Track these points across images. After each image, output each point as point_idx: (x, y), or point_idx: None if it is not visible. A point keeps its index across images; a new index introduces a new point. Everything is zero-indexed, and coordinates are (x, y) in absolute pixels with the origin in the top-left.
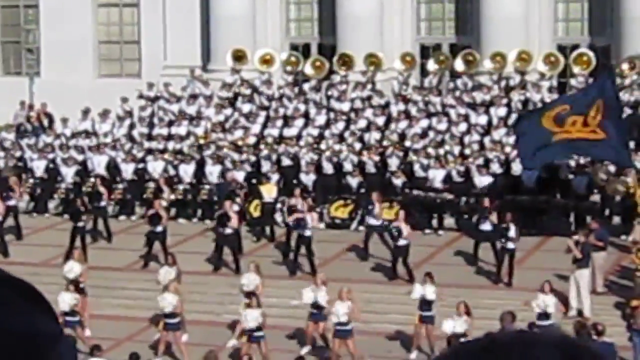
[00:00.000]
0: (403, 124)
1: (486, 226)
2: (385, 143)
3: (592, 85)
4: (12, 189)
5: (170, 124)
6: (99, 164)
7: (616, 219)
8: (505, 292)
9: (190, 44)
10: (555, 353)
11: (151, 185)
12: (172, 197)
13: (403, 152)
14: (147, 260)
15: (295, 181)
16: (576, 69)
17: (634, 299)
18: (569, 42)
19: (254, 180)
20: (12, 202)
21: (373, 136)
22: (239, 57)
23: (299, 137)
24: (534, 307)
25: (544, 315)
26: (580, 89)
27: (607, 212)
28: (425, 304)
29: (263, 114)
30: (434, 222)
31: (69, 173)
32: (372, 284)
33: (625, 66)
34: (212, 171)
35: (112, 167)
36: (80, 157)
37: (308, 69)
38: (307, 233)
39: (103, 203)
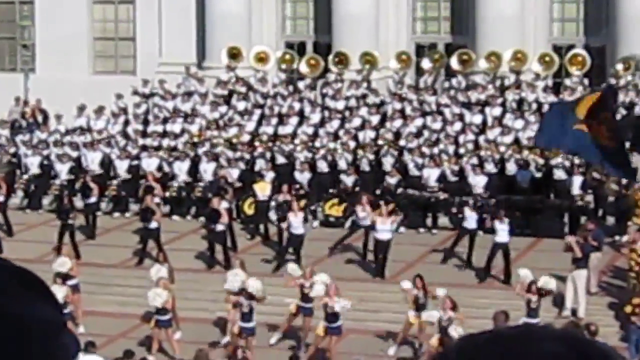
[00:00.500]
0: (398, 123)
1: (470, 224)
2: (380, 142)
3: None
4: None
5: (165, 121)
6: (92, 160)
7: (610, 220)
8: (498, 292)
9: (185, 42)
10: (561, 346)
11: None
12: (162, 194)
13: (398, 151)
14: (142, 257)
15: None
16: (571, 70)
17: (635, 297)
18: (564, 42)
19: (238, 184)
20: None
21: (368, 135)
22: (234, 54)
23: (293, 135)
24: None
25: (533, 312)
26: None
27: (600, 212)
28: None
29: (258, 111)
30: (428, 221)
31: (63, 169)
32: (365, 282)
33: (619, 67)
34: (207, 169)
35: (107, 163)
36: (74, 154)
37: (303, 67)
38: (299, 231)
39: (93, 199)
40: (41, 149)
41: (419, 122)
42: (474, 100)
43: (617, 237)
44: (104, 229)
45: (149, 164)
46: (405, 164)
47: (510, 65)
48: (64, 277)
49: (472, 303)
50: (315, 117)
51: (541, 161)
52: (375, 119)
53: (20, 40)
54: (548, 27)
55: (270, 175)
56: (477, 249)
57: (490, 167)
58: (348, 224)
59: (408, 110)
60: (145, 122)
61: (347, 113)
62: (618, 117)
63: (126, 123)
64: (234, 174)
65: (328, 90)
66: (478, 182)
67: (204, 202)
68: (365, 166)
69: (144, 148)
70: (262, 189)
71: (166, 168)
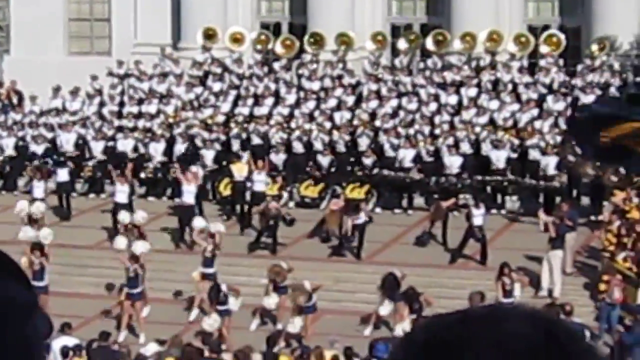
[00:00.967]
0: (373, 104)
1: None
2: (355, 122)
3: None
4: None
5: (141, 102)
6: (68, 141)
7: (584, 200)
8: (474, 272)
9: (160, 23)
10: (529, 326)
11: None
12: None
13: (373, 132)
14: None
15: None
16: (546, 50)
17: (605, 274)
18: (539, 22)
19: (214, 165)
20: None
21: (343, 115)
22: (209, 35)
23: (269, 116)
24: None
25: (509, 293)
26: None
27: (575, 193)
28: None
29: (233, 92)
30: (404, 202)
31: (38, 150)
32: (341, 263)
33: (595, 47)
34: (182, 150)
35: (82, 144)
36: (49, 135)
37: (278, 48)
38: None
39: (65, 177)
40: (16, 130)
41: (394, 102)
42: (450, 81)
43: (592, 217)
44: (79, 210)
45: (125, 145)
46: (380, 144)
47: (485, 46)
48: (41, 250)
49: (446, 283)
50: (291, 98)
51: (516, 142)
52: (350, 100)
53: None
54: (523, 8)
55: (245, 156)
56: (452, 230)
57: (465, 148)
58: (324, 204)
59: (384, 91)
60: (121, 104)
61: (322, 94)
62: (593, 98)
63: (101, 104)
64: (209, 155)
65: (303, 71)
66: (453, 162)
67: (179, 183)
68: (340, 147)
69: (120, 129)
70: (240, 170)
71: (142, 149)
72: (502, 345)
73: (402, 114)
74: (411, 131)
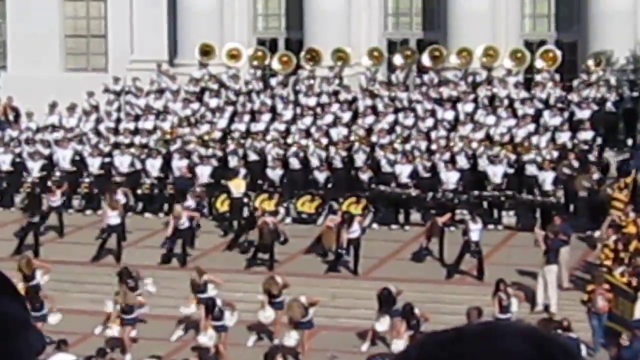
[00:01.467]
0: (370, 119)
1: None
2: (352, 138)
3: None
4: None
5: (137, 118)
6: (64, 158)
7: (582, 215)
8: (471, 288)
9: (157, 39)
10: (524, 343)
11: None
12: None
13: (370, 147)
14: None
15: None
16: (542, 65)
17: (590, 284)
18: (535, 38)
19: (210, 181)
20: None
21: (340, 131)
22: (206, 51)
23: (265, 132)
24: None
25: (506, 309)
26: None
27: (572, 208)
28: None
29: (230, 108)
30: (401, 218)
31: (35, 167)
32: (338, 279)
33: (591, 62)
34: (179, 166)
35: (78, 161)
36: (46, 152)
37: (275, 64)
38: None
39: (57, 202)
40: (13, 146)
41: (391, 118)
42: (446, 97)
43: (589, 233)
44: (76, 227)
45: (121, 161)
46: (377, 160)
47: (481, 61)
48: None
49: (443, 299)
50: (288, 114)
51: (513, 157)
52: (347, 116)
53: None
54: (519, 23)
55: (242, 172)
56: (449, 245)
57: (462, 163)
58: (320, 220)
59: (380, 107)
60: (117, 120)
61: (319, 110)
62: (589, 113)
63: (98, 120)
64: (205, 171)
65: (300, 86)
66: (450, 178)
67: (176, 200)
68: (337, 163)
69: (116, 145)
70: (237, 186)
71: (138, 165)
72: None
73: (398, 129)
74: (408, 147)
